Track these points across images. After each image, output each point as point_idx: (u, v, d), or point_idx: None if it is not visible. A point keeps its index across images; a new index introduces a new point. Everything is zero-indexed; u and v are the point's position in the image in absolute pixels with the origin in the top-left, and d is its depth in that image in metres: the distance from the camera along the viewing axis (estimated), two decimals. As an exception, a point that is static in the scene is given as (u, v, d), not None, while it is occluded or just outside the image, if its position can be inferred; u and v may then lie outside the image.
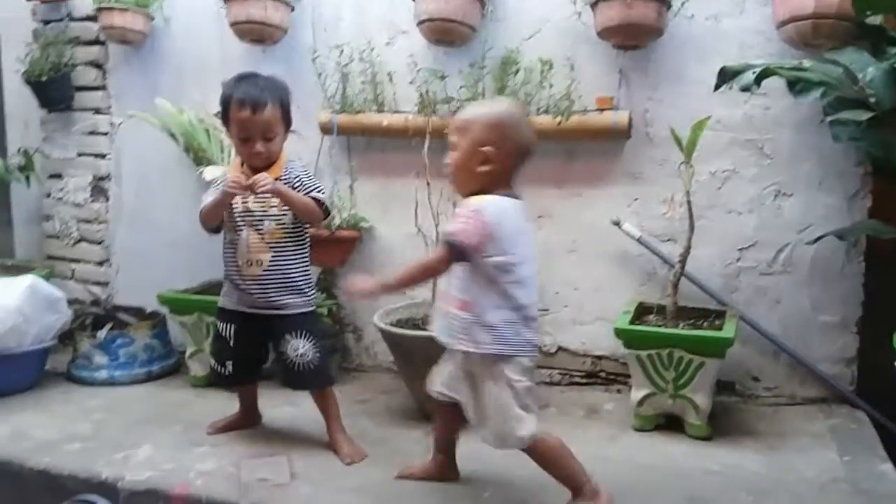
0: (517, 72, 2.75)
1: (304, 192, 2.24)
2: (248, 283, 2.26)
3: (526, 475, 2.04)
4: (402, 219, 2.81)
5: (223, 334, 2.35)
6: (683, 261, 2.46)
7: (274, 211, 2.23)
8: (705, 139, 2.41)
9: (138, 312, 3.15)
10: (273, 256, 2.24)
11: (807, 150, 2.57)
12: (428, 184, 2.58)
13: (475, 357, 1.85)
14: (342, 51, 2.95)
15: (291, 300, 2.26)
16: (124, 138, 3.42)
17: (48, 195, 3.57)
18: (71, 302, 3.06)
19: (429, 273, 1.91)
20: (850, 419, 2.49)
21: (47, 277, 3.08)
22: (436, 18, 2.69)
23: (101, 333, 2.92)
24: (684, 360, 2.31)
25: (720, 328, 2.39)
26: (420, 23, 2.74)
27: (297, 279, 2.27)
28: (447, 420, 2.03)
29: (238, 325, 2.32)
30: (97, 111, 3.45)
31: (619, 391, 2.77)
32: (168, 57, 3.32)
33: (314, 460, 2.20)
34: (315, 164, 3.02)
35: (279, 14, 2.95)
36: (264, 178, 2.15)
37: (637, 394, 2.41)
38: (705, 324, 2.47)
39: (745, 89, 2.13)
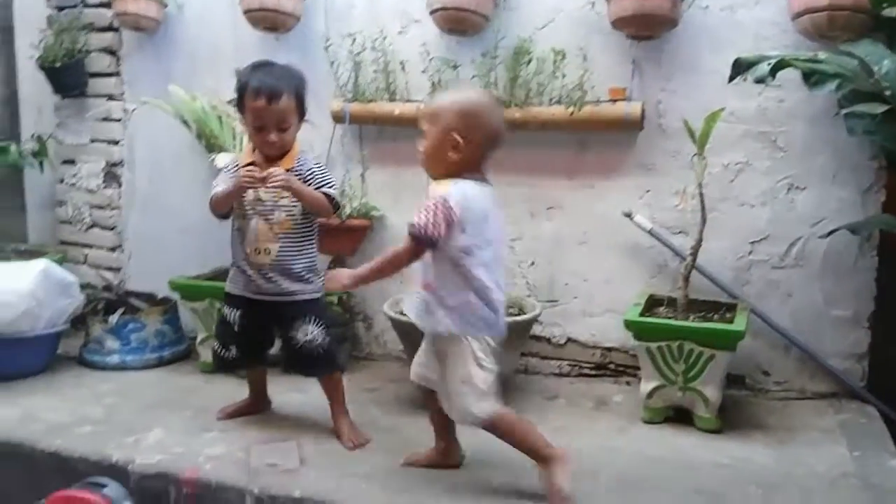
0: (529, 62, 2.74)
1: (316, 185, 2.24)
2: (255, 270, 2.26)
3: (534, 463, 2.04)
4: (412, 208, 2.72)
5: (228, 319, 2.35)
6: (695, 253, 2.45)
7: (285, 202, 2.23)
8: (718, 131, 2.40)
9: (150, 298, 3.16)
10: (281, 246, 2.24)
11: (821, 143, 2.55)
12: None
13: (441, 336, 1.92)
14: (355, 39, 2.94)
15: (299, 287, 2.27)
16: (137, 125, 3.43)
17: (61, 181, 3.59)
18: (83, 287, 3.08)
19: (397, 264, 1.92)
20: (861, 414, 2.48)
21: (60, 262, 3.10)
22: (449, 7, 2.68)
23: (113, 318, 2.94)
24: (694, 352, 2.30)
25: (731, 321, 2.38)
26: (433, 11, 2.73)
27: (304, 269, 2.27)
28: (434, 406, 2.06)
29: (244, 310, 2.32)
30: (110, 97, 3.46)
31: (628, 383, 2.76)
32: (181, 44, 3.33)
33: (323, 446, 2.20)
34: (327, 153, 3.02)
35: (292, 2, 2.95)
36: (278, 173, 2.15)
37: (646, 386, 2.40)
38: (716, 317, 2.46)
39: (760, 81, 2.12)
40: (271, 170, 2.17)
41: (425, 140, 1.93)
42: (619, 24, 2.56)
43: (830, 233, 2.45)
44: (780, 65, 2.07)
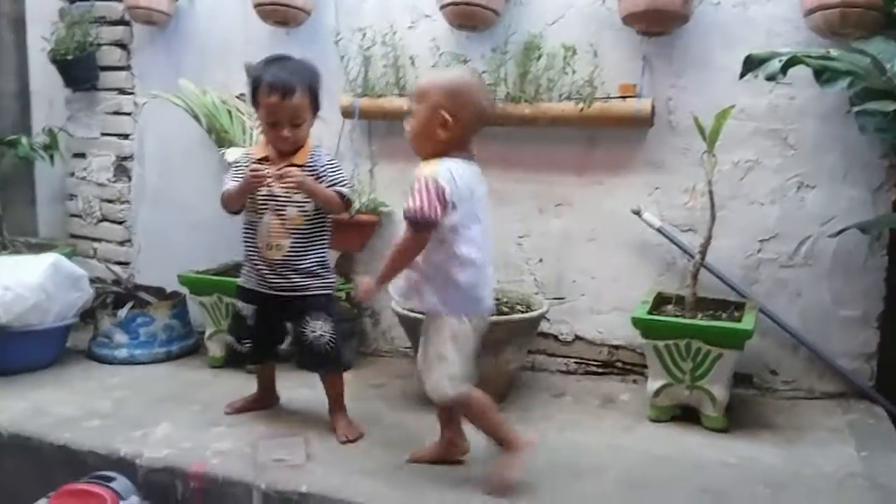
0: (540, 57, 2.73)
1: (329, 183, 2.24)
2: (267, 265, 2.27)
3: (542, 462, 2.04)
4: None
5: (243, 313, 2.36)
6: (704, 251, 2.44)
7: (297, 198, 2.23)
8: (729, 128, 2.39)
9: (159, 292, 3.17)
10: (293, 242, 2.24)
11: (831, 141, 2.53)
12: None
13: (426, 313, 1.97)
14: (365, 34, 2.94)
15: (310, 282, 2.27)
16: (147, 119, 3.44)
17: (72, 174, 3.61)
18: (93, 280, 3.09)
19: (408, 254, 1.92)
20: (869, 414, 2.47)
21: (70, 256, 3.11)
22: (459, 2, 2.67)
23: (122, 312, 2.95)
24: (702, 351, 2.29)
25: (739, 320, 2.37)
26: (443, 6, 2.72)
27: (315, 265, 2.28)
28: None
29: (258, 305, 2.33)
30: (121, 91, 3.47)
31: (635, 381, 2.76)
32: (192, 38, 3.33)
33: (330, 442, 2.21)
34: (336, 148, 3.02)
35: (303, -4, 2.95)
36: (292, 172, 2.16)
37: (653, 384, 2.39)
38: (724, 315, 2.45)
39: (771, 78, 2.09)
40: (286, 168, 2.17)
41: (413, 119, 1.96)
42: (629, 19, 2.55)
43: (840, 232, 2.43)
44: (792, 62, 2.06)
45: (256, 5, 2.96)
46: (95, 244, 3.58)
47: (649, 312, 2.43)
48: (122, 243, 3.53)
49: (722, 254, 2.60)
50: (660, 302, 2.55)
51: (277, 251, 2.25)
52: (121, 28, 3.44)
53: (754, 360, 2.62)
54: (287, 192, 2.23)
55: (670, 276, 2.73)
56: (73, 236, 3.62)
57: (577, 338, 2.87)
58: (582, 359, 2.87)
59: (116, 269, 3.40)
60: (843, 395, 2.59)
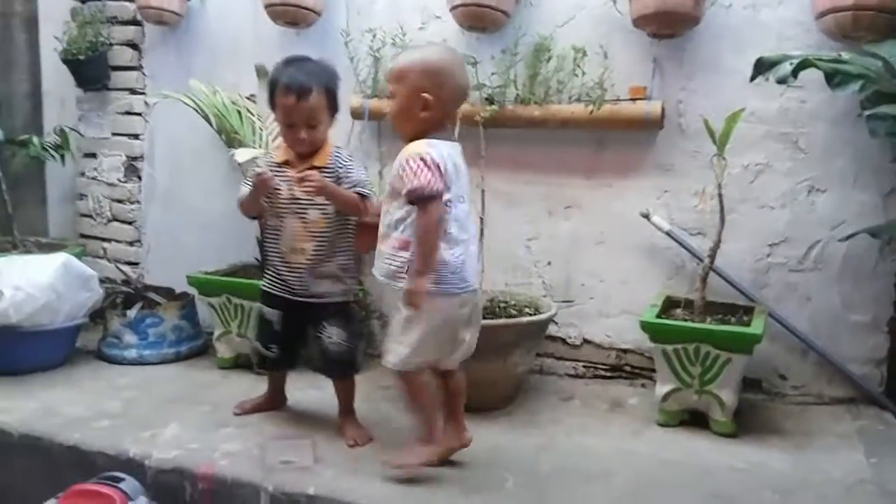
0: (550, 59, 2.73)
1: (350, 185, 2.23)
2: (290, 269, 2.27)
3: (550, 466, 2.04)
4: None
5: (269, 318, 2.35)
6: (713, 255, 2.43)
7: (319, 200, 2.22)
8: (739, 131, 2.38)
9: (168, 293, 3.18)
10: (316, 245, 2.24)
11: (842, 144, 2.52)
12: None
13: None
14: (375, 35, 2.93)
15: (331, 289, 2.27)
16: (158, 119, 3.45)
17: (82, 174, 3.63)
18: (102, 281, 3.10)
19: (433, 231, 1.88)
20: (878, 420, 2.46)
21: (80, 256, 3.12)
22: (469, 3, 2.67)
23: (131, 313, 2.96)
24: (711, 355, 2.29)
25: (748, 324, 2.36)
26: (453, 8, 2.72)
27: (339, 268, 2.27)
28: (442, 388, 2.09)
29: (283, 310, 2.33)
30: (132, 91, 3.49)
31: (643, 385, 2.75)
32: (203, 38, 3.35)
33: (338, 444, 2.21)
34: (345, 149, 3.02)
35: (313, -4, 2.96)
36: (312, 176, 2.15)
37: (662, 388, 2.38)
38: (733, 319, 2.44)
39: (782, 81, 2.09)
40: (306, 172, 2.17)
41: (394, 101, 1.98)
42: (640, 21, 2.54)
43: (850, 236, 2.42)
44: (803, 65, 2.05)
45: (267, 6, 2.97)
46: (105, 244, 3.59)
47: (658, 316, 2.42)
48: (131, 243, 3.55)
49: (731, 257, 2.60)
50: (669, 306, 2.54)
51: (301, 255, 2.24)
52: (132, 28, 3.45)
53: (763, 365, 2.62)
54: (308, 195, 2.21)
55: (679, 280, 2.72)
56: (84, 236, 3.64)
57: (586, 341, 2.87)
58: (590, 362, 2.87)
59: (126, 269, 3.41)
60: (852, 400, 2.57)
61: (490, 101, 2.76)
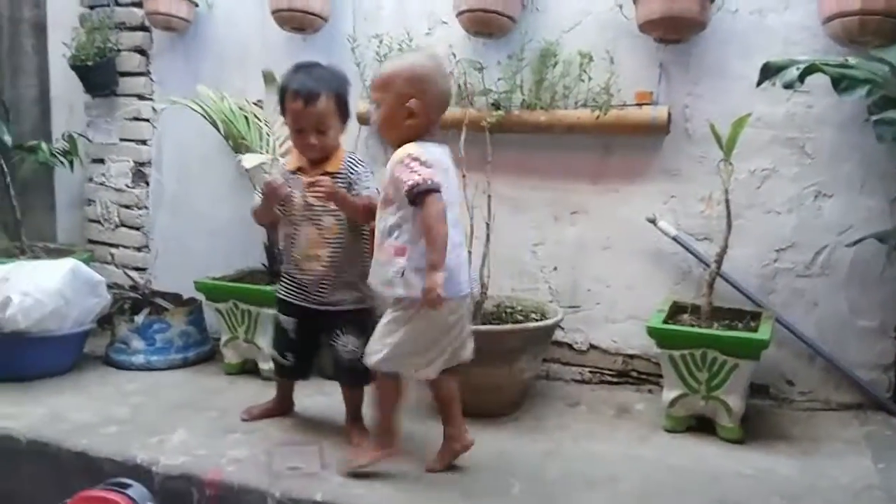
0: (556, 64, 2.74)
1: (360, 191, 2.22)
2: (306, 277, 2.27)
3: (556, 472, 2.04)
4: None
5: (284, 326, 2.36)
6: (720, 260, 2.43)
7: (334, 207, 2.21)
8: (746, 136, 2.38)
9: (175, 298, 3.19)
10: (331, 252, 2.23)
11: (849, 149, 2.51)
12: (464, 176, 2.57)
13: (408, 301, 1.94)
14: (381, 40, 2.93)
15: (347, 296, 2.26)
16: (166, 125, 3.47)
17: (90, 179, 3.64)
18: (110, 286, 3.10)
19: (439, 224, 1.88)
20: (886, 426, 2.45)
21: (88, 261, 3.13)
22: (476, 9, 2.68)
23: (139, 318, 2.97)
24: (718, 361, 2.28)
25: (755, 330, 2.36)
26: (459, 13, 2.73)
27: (354, 275, 2.25)
28: (435, 393, 2.11)
29: (299, 317, 2.33)
30: (140, 97, 3.50)
31: (650, 391, 2.74)
32: (210, 44, 3.36)
33: (345, 451, 2.20)
34: (351, 155, 3.03)
35: (320, 2, 2.97)
36: (323, 182, 2.15)
37: (669, 394, 2.38)
38: (740, 325, 2.44)
39: (788, 86, 2.08)
40: (320, 179, 2.17)
41: (380, 110, 1.99)
42: (646, 27, 2.54)
43: (857, 241, 2.41)
44: (810, 70, 2.05)
45: (274, 12, 2.98)
46: (113, 250, 3.61)
47: (665, 322, 2.42)
48: (139, 249, 3.56)
49: (738, 263, 2.59)
50: (675, 311, 2.54)
51: (316, 262, 2.24)
52: (140, 34, 3.47)
53: (770, 371, 2.61)
54: (322, 202, 2.21)
55: (686, 286, 2.71)
56: (92, 242, 3.65)
57: (592, 347, 2.86)
58: (597, 368, 2.86)
59: (134, 274, 3.42)
60: (859, 406, 2.56)
61: (496, 106, 2.76)
